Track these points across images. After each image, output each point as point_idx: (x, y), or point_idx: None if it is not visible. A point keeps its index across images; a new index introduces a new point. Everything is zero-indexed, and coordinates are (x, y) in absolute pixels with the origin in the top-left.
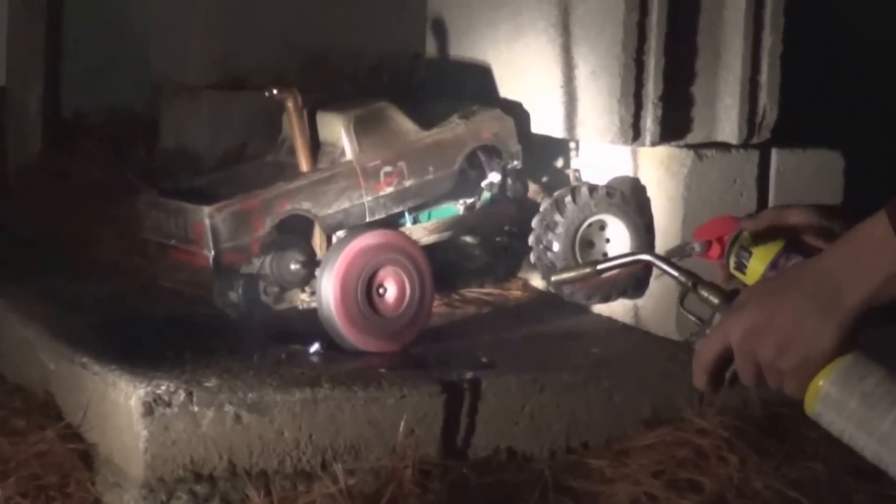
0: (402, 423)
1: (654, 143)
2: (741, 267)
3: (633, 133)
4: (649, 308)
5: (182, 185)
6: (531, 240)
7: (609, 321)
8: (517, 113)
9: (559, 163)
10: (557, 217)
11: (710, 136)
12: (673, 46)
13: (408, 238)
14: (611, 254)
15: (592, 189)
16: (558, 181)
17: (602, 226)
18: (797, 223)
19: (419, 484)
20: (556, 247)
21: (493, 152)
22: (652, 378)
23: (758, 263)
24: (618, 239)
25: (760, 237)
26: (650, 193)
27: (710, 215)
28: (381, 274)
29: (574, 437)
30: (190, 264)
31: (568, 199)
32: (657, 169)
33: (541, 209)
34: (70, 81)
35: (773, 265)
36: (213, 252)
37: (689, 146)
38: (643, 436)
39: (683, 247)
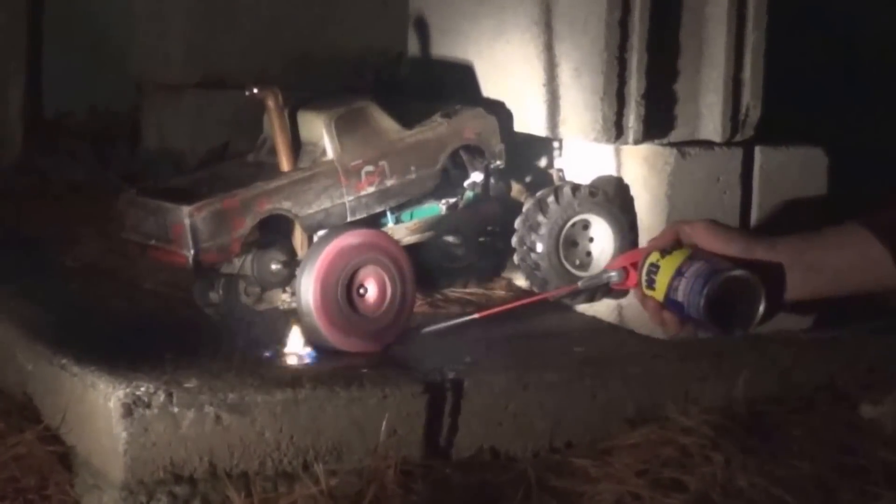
0: (385, 424)
1: (637, 142)
2: (651, 283)
3: (616, 131)
4: (633, 307)
5: (162, 184)
6: (514, 240)
7: (593, 320)
8: (500, 112)
9: (542, 162)
10: (540, 217)
11: (694, 134)
12: (656, 44)
13: (389, 238)
14: (594, 253)
15: (575, 188)
16: (541, 181)
17: (586, 225)
18: (699, 236)
19: (402, 484)
20: (539, 248)
21: (475, 152)
22: (636, 377)
23: (664, 275)
24: (601, 238)
25: (667, 251)
26: (634, 192)
27: (695, 213)
28: (362, 274)
29: (558, 436)
30: (169, 264)
31: (551, 199)
32: (640, 167)
33: (524, 209)
34: (51, 82)
35: (678, 272)
36: (192, 252)
37: (672, 144)
38: (627, 435)
39: (601, 276)
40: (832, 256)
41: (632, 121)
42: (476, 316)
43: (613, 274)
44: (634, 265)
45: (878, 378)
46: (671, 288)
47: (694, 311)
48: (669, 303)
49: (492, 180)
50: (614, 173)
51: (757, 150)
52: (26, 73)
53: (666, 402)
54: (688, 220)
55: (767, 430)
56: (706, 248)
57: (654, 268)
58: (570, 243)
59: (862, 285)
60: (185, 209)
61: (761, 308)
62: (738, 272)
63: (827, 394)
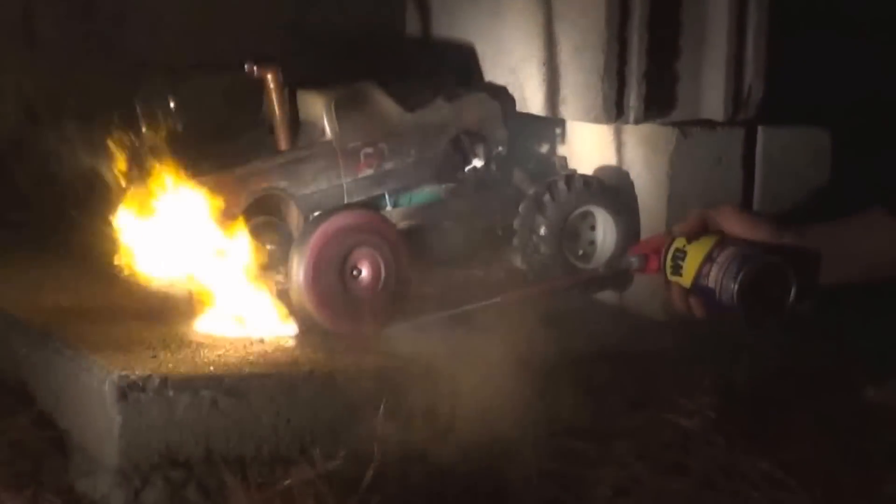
0: (382, 407)
1: (637, 121)
2: (677, 269)
3: (617, 111)
4: (633, 290)
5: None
6: (516, 223)
7: (593, 303)
8: (503, 97)
9: (545, 148)
10: (539, 218)
11: (695, 114)
12: (657, 22)
13: (384, 219)
14: (598, 242)
15: (570, 181)
16: (544, 167)
17: (585, 215)
18: (727, 222)
19: (400, 468)
20: (543, 249)
21: (477, 137)
22: (637, 360)
23: (693, 260)
24: (604, 228)
25: (694, 237)
26: (634, 173)
27: (696, 194)
28: (356, 255)
29: (558, 420)
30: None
31: (546, 197)
32: (642, 147)
33: (520, 208)
34: (48, 65)
35: (709, 257)
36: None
37: (673, 124)
38: (628, 418)
39: (621, 261)
40: (859, 243)
41: (632, 100)
42: (498, 300)
43: (634, 260)
44: (655, 251)
45: (882, 360)
46: (700, 274)
47: (727, 297)
48: (698, 289)
49: (493, 166)
50: (615, 154)
51: (760, 129)
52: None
53: (667, 385)
54: (714, 206)
55: (770, 412)
56: (733, 233)
57: (681, 254)
58: (573, 234)
59: (888, 271)
60: None
61: (793, 296)
62: (773, 259)
63: (830, 375)
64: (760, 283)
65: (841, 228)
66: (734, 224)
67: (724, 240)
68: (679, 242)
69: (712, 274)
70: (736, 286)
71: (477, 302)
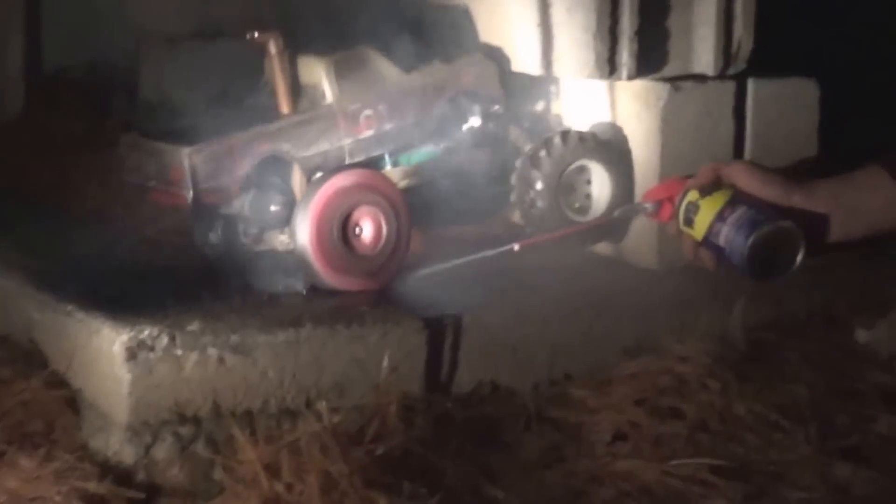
0: (386, 361)
1: (630, 77)
2: (689, 222)
3: (610, 68)
4: (629, 240)
5: (163, 126)
6: (513, 179)
7: (589, 254)
8: (499, 57)
9: (540, 106)
10: (535, 173)
11: (687, 69)
12: None
13: (384, 178)
14: (594, 195)
15: (565, 137)
16: (540, 125)
17: (581, 170)
18: (738, 178)
19: (403, 419)
20: (539, 203)
21: (474, 97)
22: (633, 308)
23: (705, 215)
24: (599, 182)
25: (707, 191)
26: (628, 128)
27: (688, 147)
28: (357, 214)
29: (557, 368)
30: (169, 205)
31: (543, 153)
32: (634, 103)
33: (517, 164)
34: (50, 37)
35: (720, 216)
36: (191, 192)
37: (665, 79)
38: (625, 365)
39: (636, 207)
40: (867, 199)
41: (625, 57)
42: (516, 247)
43: (648, 205)
44: (670, 198)
45: (872, 302)
46: (712, 231)
47: (737, 258)
48: (708, 244)
49: (490, 125)
50: (609, 109)
51: (750, 82)
52: (25, 32)
53: (662, 332)
54: (727, 161)
55: (763, 356)
56: (744, 189)
57: (693, 207)
58: (569, 188)
59: (887, 228)
60: (185, 150)
61: (800, 257)
62: (783, 223)
63: (821, 319)
64: (769, 245)
65: (849, 184)
66: (745, 181)
67: (734, 198)
68: (692, 195)
69: (723, 233)
70: (746, 250)
71: (492, 249)
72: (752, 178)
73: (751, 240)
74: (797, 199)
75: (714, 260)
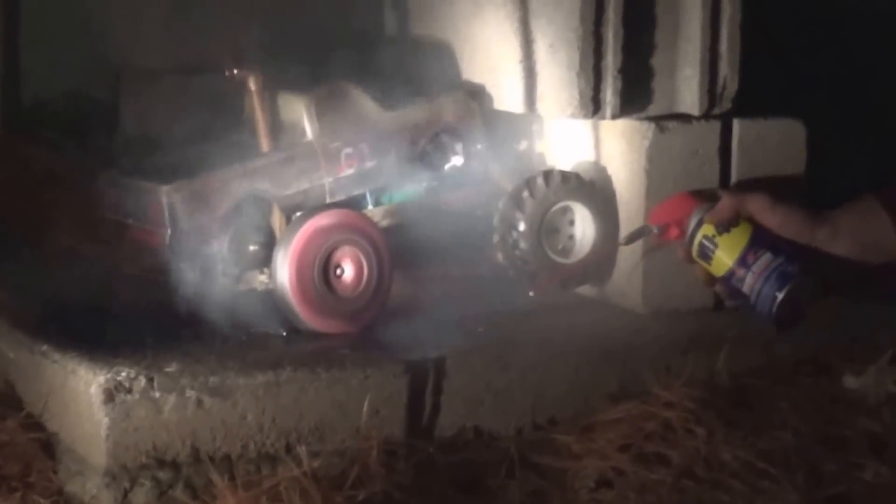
0: (367, 404)
1: (614, 116)
2: (706, 257)
3: (594, 106)
4: (614, 281)
5: (141, 164)
6: (496, 219)
7: (573, 295)
8: (481, 95)
9: (523, 145)
10: (518, 214)
11: (671, 108)
12: (632, 17)
13: (365, 218)
14: (577, 237)
15: (548, 177)
16: (523, 164)
17: (565, 210)
18: (759, 214)
19: (385, 465)
20: (522, 245)
21: (456, 135)
22: (618, 352)
23: (724, 255)
24: (582, 224)
25: (724, 227)
26: (612, 168)
27: (673, 187)
28: (339, 254)
29: (540, 413)
30: (147, 244)
31: (525, 194)
32: (619, 142)
33: (500, 205)
34: (29, 69)
35: (742, 261)
36: (170, 231)
37: (650, 118)
38: (610, 410)
39: (642, 230)
40: (888, 234)
41: (609, 95)
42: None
43: (655, 228)
44: (678, 222)
45: (860, 349)
46: (734, 276)
47: (762, 309)
48: (729, 286)
49: (472, 164)
50: (593, 149)
51: (735, 122)
52: (3, 63)
53: (648, 377)
54: (745, 192)
55: (750, 402)
56: (762, 223)
57: (711, 242)
58: (553, 231)
59: (880, 260)
60: (164, 188)
61: (810, 308)
62: (808, 277)
63: (809, 365)
64: (796, 298)
65: (862, 220)
66: (766, 218)
67: (755, 238)
68: (708, 229)
69: (747, 281)
70: (776, 307)
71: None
72: (774, 215)
73: (781, 296)
74: (821, 238)
75: (731, 296)
